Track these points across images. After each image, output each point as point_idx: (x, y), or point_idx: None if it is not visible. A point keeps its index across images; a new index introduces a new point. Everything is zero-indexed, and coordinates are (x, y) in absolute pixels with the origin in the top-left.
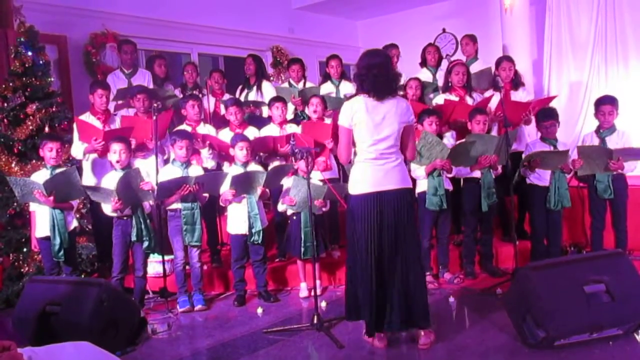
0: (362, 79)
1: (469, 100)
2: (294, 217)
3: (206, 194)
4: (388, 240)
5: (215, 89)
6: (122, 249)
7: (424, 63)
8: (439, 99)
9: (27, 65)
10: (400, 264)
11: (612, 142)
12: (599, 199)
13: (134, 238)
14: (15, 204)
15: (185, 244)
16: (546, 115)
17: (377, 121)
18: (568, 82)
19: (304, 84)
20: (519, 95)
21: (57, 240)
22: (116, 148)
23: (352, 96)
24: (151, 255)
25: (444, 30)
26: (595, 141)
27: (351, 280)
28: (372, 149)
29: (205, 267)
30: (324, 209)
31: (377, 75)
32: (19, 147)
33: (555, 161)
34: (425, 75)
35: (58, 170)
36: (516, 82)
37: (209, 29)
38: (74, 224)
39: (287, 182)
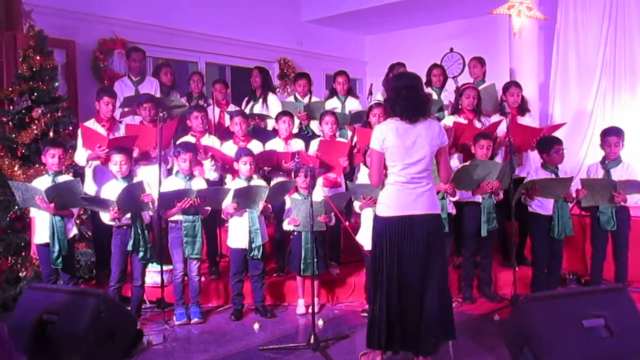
0: (392, 102)
1: (478, 124)
2: (295, 234)
3: (208, 207)
4: (414, 265)
5: (219, 99)
6: (120, 258)
7: (429, 83)
8: (447, 121)
9: (34, 69)
10: (425, 290)
11: (617, 174)
12: (601, 230)
13: (129, 248)
14: (16, 207)
15: (185, 256)
16: (553, 142)
17: (408, 145)
18: (573, 109)
19: (310, 98)
20: (525, 121)
21: (56, 248)
22: (117, 159)
23: (357, 113)
24: (150, 264)
25: (451, 50)
26: (600, 172)
27: (374, 303)
28: (403, 173)
29: (203, 279)
30: (330, 224)
31: (407, 98)
32: (23, 151)
33: (558, 190)
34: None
35: (60, 177)
36: (522, 107)
37: (217, 38)
38: (74, 231)
39: (289, 201)
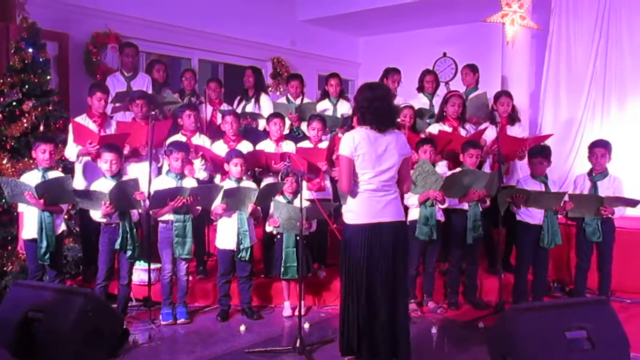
0: (363, 111)
1: (462, 132)
2: (279, 237)
3: (199, 207)
4: (383, 271)
5: (213, 98)
6: (107, 256)
7: (421, 89)
8: (432, 129)
9: (26, 62)
10: (391, 297)
11: (604, 187)
12: (586, 240)
13: (117, 246)
14: (3, 200)
15: (176, 256)
16: (537, 152)
17: (379, 153)
18: (562, 118)
19: (302, 100)
20: (514, 131)
21: (44, 244)
22: (107, 157)
23: (348, 116)
24: (137, 262)
25: (444, 55)
26: (587, 184)
27: (345, 310)
28: (375, 180)
29: (190, 278)
30: (311, 230)
31: (379, 108)
32: (12, 144)
33: (551, 203)
34: (422, 101)
35: (51, 173)
36: (513, 117)
37: (211, 35)
38: (62, 227)
39: (272, 202)
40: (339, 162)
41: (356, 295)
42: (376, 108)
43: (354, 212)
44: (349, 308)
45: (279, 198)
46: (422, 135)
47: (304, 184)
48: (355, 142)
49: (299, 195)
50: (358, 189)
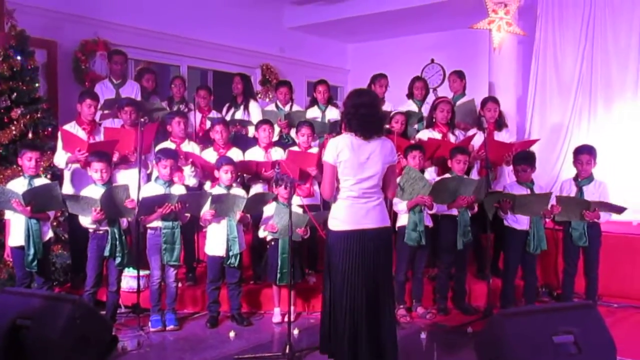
0: (349, 117)
1: (452, 138)
2: (272, 243)
3: (188, 214)
4: (366, 278)
5: (202, 105)
6: (96, 262)
7: (410, 95)
8: (422, 135)
9: (15, 70)
10: (376, 303)
11: (589, 192)
12: (573, 245)
13: (107, 253)
14: None
15: (164, 262)
16: (521, 159)
17: (362, 160)
18: (550, 123)
19: (291, 106)
20: (501, 137)
21: (31, 251)
22: (97, 167)
23: (336, 122)
24: (126, 269)
25: (432, 61)
26: (573, 189)
27: (326, 313)
28: (356, 188)
29: (179, 284)
30: (305, 236)
31: (365, 115)
32: (1, 152)
33: (536, 207)
34: (411, 107)
35: (37, 181)
36: (500, 123)
37: (200, 42)
38: (49, 234)
39: (268, 209)
40: (324, 168)
41: (338, 301)
42: (362, 115)
43: (337, 218)
44: (330, 310)
45: (278, 204)
46: (412, 142)
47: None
48: (338, 149)
49: (293, 201)
50: (340, 195)
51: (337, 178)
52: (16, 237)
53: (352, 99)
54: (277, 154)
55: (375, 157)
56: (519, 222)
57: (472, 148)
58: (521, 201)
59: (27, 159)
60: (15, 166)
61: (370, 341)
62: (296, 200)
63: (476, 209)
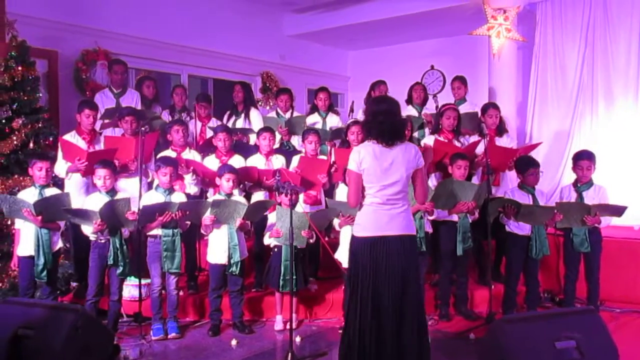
0: (369, 125)
1: (457, 144)
2: (276, 250)
3: (188, 222)
4: (388, 285)
5: (202, 114)
6: (98, 271)
7: (409, 101)
8: (428, 140)
9: (16, 80)
10: (399, 311)
11: (589, 197)
12: (574, 251)
13: (110, 262)
14: None
15: (164, 270)
16: (527, 164)
17: (384, 167)
18: (551, 128)
19: (292, 114)
20: (503, 142)
21: (41, 261)
22: (101, 174)
23: (338, 129)
24: (128, 278)
25: (432, 67)
26: (573, 195)
27: (350, 321)
28: (379, 194)
29: (181, 293)
30: (311, 240)
31: (383, 122)
32: (2, 161)
33: (541, 218)
34: (411, 112)
35: (48, 190)
36: (500, 128)
37: (200, 51)
38: (59, 244)
39: (272, 216)
40: (348, 177)
41: (360, 311)
42: (380, 122)
43: (360, 224)
44: (353, 324)
45: (280, 208)
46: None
47: (301, 197)
48: (360, 157)
49: (296, 208)
50: (365, 201)
51: (363, 186)
52: (26, 246)
53: (370, 107)
54: (278, 161)
55: (398, 163)
56: (521, 227)
57: (476, 155)
58: (526, 210)
59: (38, 169)
60: (17, 176)
61: (393, 351)
62: (300, 209)
63: (477, 215)
